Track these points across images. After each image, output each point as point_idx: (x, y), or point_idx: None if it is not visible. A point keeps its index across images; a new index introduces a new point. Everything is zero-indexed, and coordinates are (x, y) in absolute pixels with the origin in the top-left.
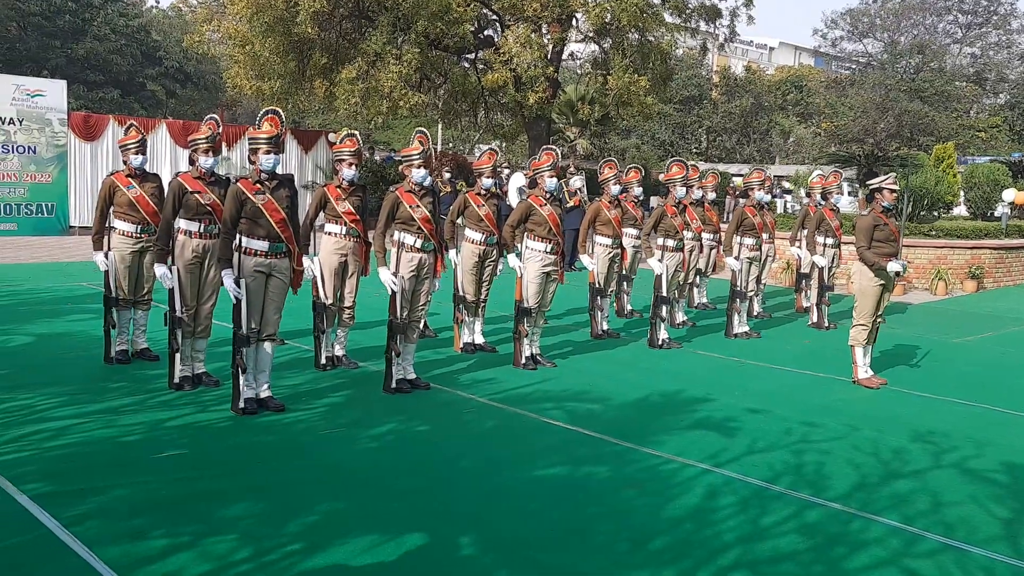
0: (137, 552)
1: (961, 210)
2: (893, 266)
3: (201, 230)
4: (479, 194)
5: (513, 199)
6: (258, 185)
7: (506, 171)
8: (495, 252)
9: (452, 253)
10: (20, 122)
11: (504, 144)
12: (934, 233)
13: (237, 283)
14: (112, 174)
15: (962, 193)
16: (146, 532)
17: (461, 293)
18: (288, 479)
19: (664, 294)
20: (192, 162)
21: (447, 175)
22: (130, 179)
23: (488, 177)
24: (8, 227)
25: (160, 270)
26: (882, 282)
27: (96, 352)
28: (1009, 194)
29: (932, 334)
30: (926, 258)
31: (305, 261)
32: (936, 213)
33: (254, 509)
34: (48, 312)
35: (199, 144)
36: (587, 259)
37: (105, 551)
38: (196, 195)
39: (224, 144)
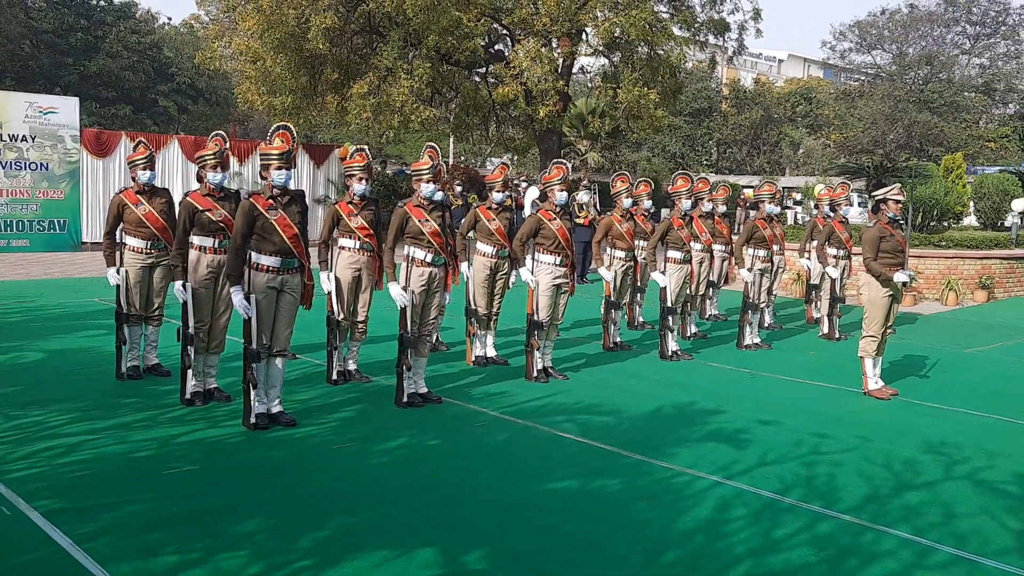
0: (148, 569)
1: (971, 220)
2: (900, 276)
3: (215, 245)
4: (489, 208)
5: (529, 212)
6: (270, 201)
7: (523, 184)
8: (507, 265)
9: (464, 267)
10: (33, 139)
11: (516, 157)
12: (944, 243)
13: (247, 299)
14: (121, 191)
15: (972, 203)
16: (158, 548)
17: (473, 306)
18: (300, 494)
19: (670, 305)
20: (200, 179)
21: (458, 188)
22: (138, 195)
23: (499, 191)
24: (21, 243)
25: (177, 287)
26: (890, 293)
27: (108, 368)
28: (1019, 204)
29: (943, 344)
30: (936, 268)
31: (322, 276)
32: (946, 223)
33: (266, 524)
34: (60, 328)
35: (206, 160)
36: (605, 271)
37: (117, 568)
38: (207, 213)
39: (236, 159)
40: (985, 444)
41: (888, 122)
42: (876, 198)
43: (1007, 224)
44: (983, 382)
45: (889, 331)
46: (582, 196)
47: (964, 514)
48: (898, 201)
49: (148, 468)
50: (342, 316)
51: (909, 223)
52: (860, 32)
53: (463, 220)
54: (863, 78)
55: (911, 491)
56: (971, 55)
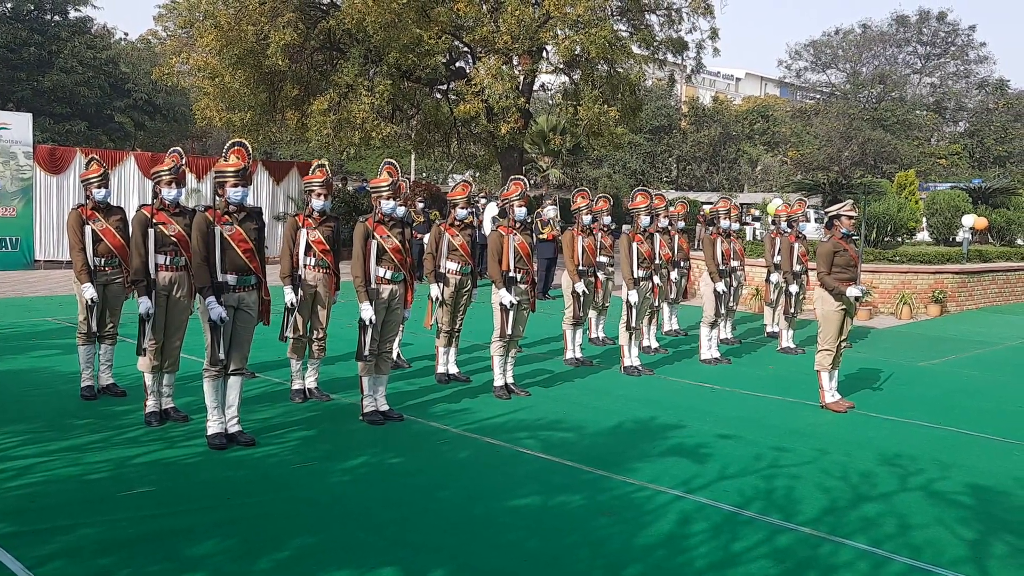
0: None
1: (924, 236)
2: (852, 291)
3: (168, 262)
4: (452, 224)
5: (488, 229)
6: (225, 216)
7: (482, 201)
8: (470, 282)
9: (433, 288)
10: None
11: (477, 174)
12: (898, 259)
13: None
14: (77, 207)
15: (924, 219)
16: (112, 572)
17: (436, 323)
18: (259, 514)
19: (634, 323)
20: (156, 194)
21: (420, 205)
22: (94, 212)
23: (462, 208)
24: None
25: (145, 304)
26: (844, 307)
27: (62, 388)
28: (969, 220)
29: (898, 358)
30: (891, 283)
31: (286, 291)
32: (900, 239)
33: (224, 546)
34: (12, 348)
35: (162, 176)
36: (581, 286)
37: None
38: (161, 227)
39: (194, 176)
40: (939, 456)
41: (843, 140)
42: (830, 214)
43: (958, 239)
44: (937, 395)
45: (844, 344)
46: (549, 211)
47: (919, 525)
48: (851, 217)
49: (102, 490)
50: (299, 333)
51: (863, 238)
52: (815, 51)
53: (428, 239)
54: (818, 96)
55: (868, 503)
56: (922, 75)
